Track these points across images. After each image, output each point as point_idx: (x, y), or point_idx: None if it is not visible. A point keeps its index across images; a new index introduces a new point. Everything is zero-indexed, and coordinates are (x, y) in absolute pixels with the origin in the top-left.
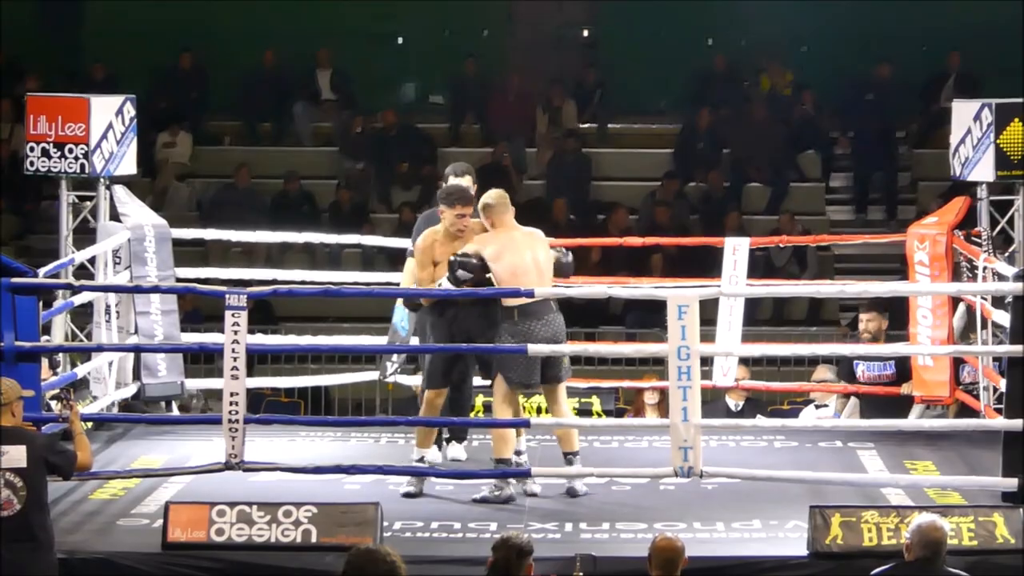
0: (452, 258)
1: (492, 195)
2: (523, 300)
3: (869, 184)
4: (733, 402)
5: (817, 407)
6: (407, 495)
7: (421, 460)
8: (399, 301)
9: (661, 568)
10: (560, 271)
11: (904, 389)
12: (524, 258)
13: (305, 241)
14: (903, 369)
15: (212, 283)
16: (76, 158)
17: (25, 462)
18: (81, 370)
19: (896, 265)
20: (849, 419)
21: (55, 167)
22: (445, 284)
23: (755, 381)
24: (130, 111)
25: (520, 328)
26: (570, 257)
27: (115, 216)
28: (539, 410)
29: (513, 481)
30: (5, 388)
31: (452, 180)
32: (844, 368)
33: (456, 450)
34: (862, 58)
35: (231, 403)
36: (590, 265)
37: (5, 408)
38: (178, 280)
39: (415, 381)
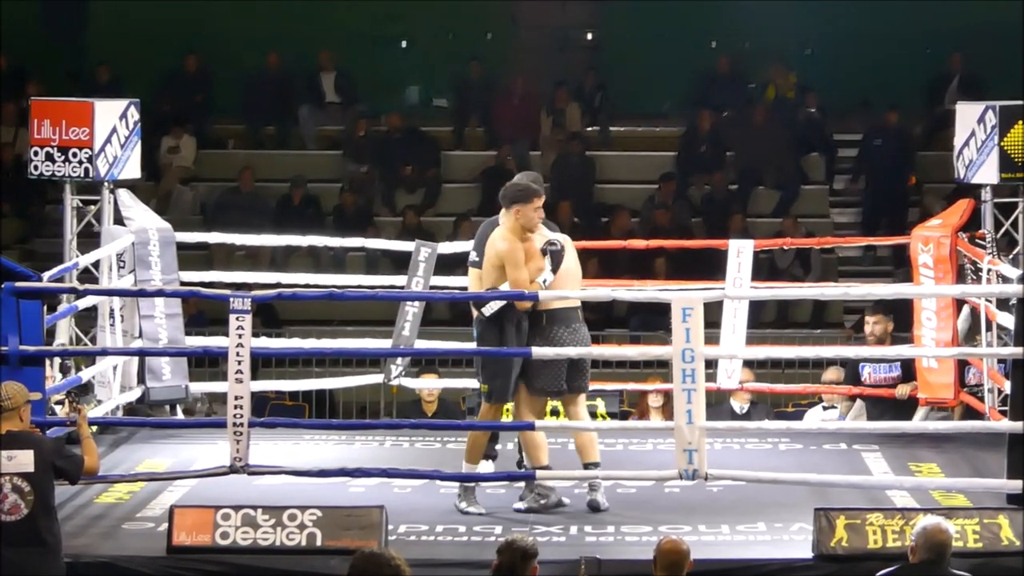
0: (551, 248)
1: None
2: (554, 305)
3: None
4: (738, 405)
5: (825, 408)
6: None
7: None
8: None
9: (666, 571)
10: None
11: (899, 392)
12: (567, 262)
13: (309, 244)
14: (908, 371)
15: (216, 287)
16: (80, 162)
17: (32, 467)
18: (85, 374)
19: (893, 267)
20: (854, 421)
21: (59, 171)
22: (550, 279)
23: (759, 383)
24: (134, 115)
25: (548, 333)
26: (559, 246)
27: (119, 220)
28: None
29: (554, 485)
30: (12, 392)
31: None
32: (850, 371)
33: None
34: (865, 60)
35: (235, 406)
36: (591, 268)
37: (12, 412)
38: (182, 284)
39: (419, 384)
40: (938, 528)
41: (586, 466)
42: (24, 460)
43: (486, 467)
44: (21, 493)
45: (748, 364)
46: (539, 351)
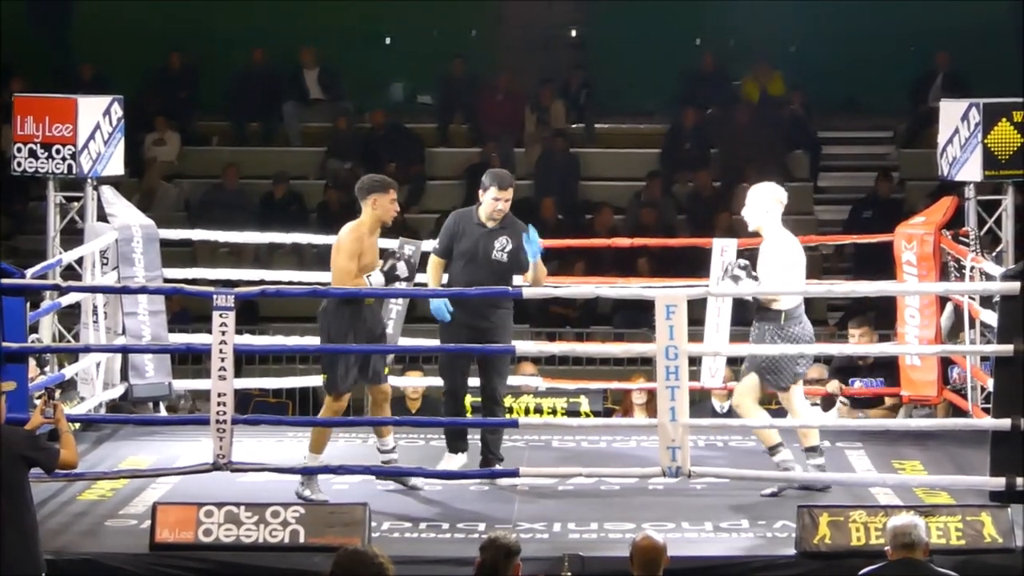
0: (395, 259)
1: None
2: (791, 304)
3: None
4: (719, 404)
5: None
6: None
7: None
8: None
9: (643, 568)
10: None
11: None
12: (797, 258)
13: (293, 241)
14: (893, 380)
15: (200, 284)
16: (63, 159)
17: None
18: (69, 371)
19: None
20: (837, 419)
21: (42, 168)
22: (377, 280)
23: None
24: (117, 111)
25: (786, 331)
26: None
27: (103, 217)
28: (527, 411)
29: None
30: None
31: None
32: (841, 381)
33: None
34: (850, 58)
35: (219, 404)
36: (575, 268)
37: None
38: (166, 281)
39: (403, 382)
40: (901, 526)
41: (806, 450)
42: None
43: (457, 461)
44: None
45: (730, 363)
46: (522, 347)
